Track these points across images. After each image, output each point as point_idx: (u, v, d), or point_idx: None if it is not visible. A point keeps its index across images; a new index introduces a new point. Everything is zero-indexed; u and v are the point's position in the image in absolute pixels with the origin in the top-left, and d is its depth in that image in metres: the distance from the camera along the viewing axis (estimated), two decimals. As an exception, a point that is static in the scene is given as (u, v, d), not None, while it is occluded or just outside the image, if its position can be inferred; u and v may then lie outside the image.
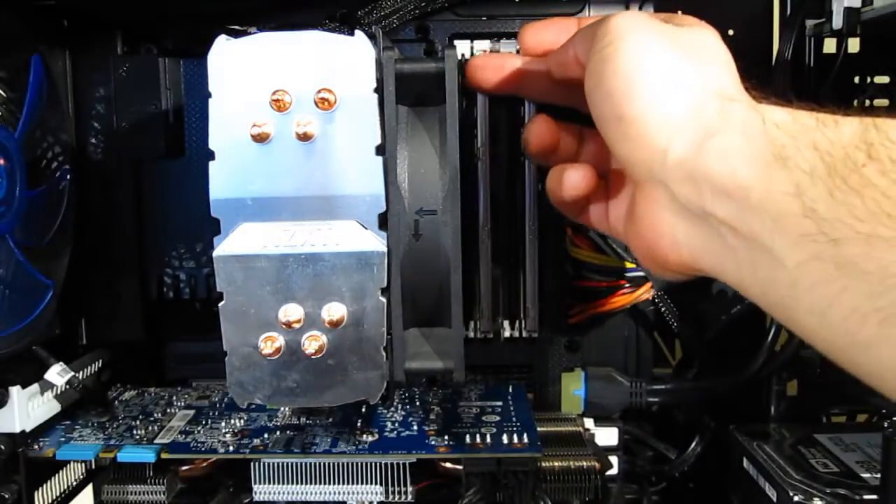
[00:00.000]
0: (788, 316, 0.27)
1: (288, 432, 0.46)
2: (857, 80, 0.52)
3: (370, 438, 0.45)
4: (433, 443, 0.44)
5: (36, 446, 0.44)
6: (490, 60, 0.40)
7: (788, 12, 0.51)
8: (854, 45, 0.50)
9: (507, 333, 0.49)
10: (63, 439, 0.45)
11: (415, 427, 0.46)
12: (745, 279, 0.28)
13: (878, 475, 0.40)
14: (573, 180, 0.36)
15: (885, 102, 0.52)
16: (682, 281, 0.32)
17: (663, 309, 0.53)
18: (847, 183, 0.24)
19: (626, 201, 0.34)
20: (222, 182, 0.37)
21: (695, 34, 0.31)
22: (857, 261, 0.23)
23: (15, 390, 0.43)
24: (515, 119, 0.47)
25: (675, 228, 0.30)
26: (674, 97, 0.29)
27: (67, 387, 0.47)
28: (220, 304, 0.37)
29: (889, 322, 0.23)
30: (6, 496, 0.42)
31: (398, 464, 0.44)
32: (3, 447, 0.43)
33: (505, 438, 0.44)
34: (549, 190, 0.37)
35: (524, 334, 0.49)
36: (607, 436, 0.50)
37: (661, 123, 0.29)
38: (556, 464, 0.44)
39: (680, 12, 0.34)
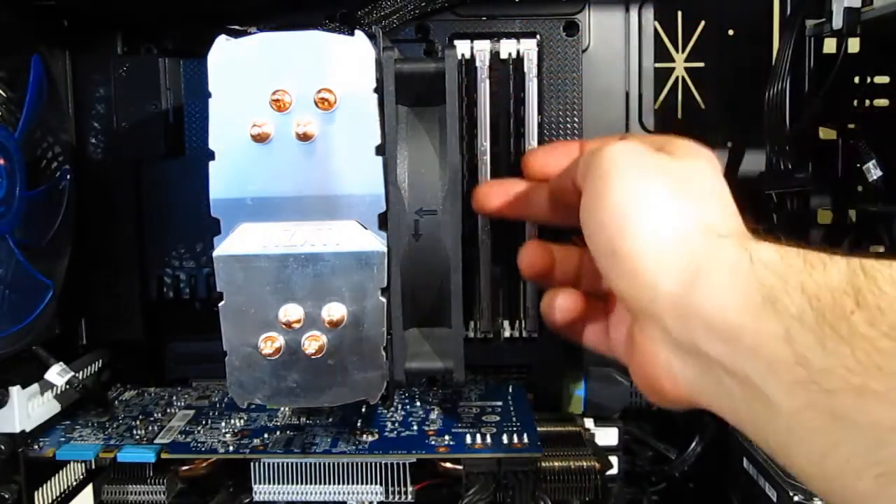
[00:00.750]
0: (787, 460, 0.26)
1: (288, 432, 0.46)
2: (857, 80, 0.52)
3: (370, 438, 0.45)
4: (433, 443, 0.44)
5: (36, 446, 0.44)
6: (494, 187, 0.42)
7: (788, 12, 0.51)
8: (854, 45, 0.50)
9: (507, 333, 0.49)
10: (63, 439, 0.45)
11: (415, 427, 0.46)
12: (743, 420, 0.27)
13: (878, 475, 0.40)
14: (564, 305, 0.37)
15: (885, 102, 0.52)
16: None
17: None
18: (837, 332, 0.24)
19: (626, 326, 0.34)
20: (222, 182, 0.37)
21: (688, 166, 0.32)
22: (850, 413, 0.23)
23: (15, 390, 0.43)
24: (516, 119, 0.47)
25: (671, 364, 0.30)
26: (663, 234, 0.29)
27: (67, 387, 0.47)
28: (220, 304, 0.37)
29: (887, 479, 0.22)
30: (6, 496, 0.42)
31: (398, 464, 0.44)
32: (3, 447, 0.43)
33: (505, 438, 0.44)
34: (543, 313, 0.38)
35: (524, 334, 0.49)
36: (607, 436, 0.50)
37: (651, 261, 0.29)
38: (556, 464, 0.44)
39: (672, 137, 0.34)
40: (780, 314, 0.25)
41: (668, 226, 0.29)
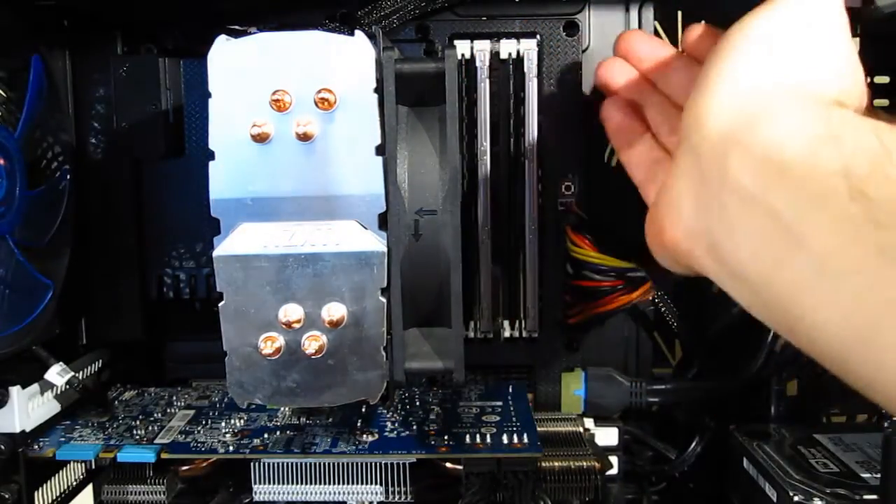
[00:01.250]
0: (793, 309, 0.24)
1: (288, 432, 0.46)
2: (857, 79, 0.52)
3: (370, 438, 0.45)
4: (433, 443, 0.44)
5: (36, 446, 0.44)
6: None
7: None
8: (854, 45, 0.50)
9: (507, 333, 0.49)
10: (63, 439, 0.45)
11: (415, 427, 0.46)
12: (745, 263, 0.26)
13: (878, 475, 0.40)
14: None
15: (885, 102, 0.52)
16: (677, 274, 0.32)
17: (663, 309, 0.53)
18: None
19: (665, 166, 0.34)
20: (222, 182, 0.37)
21: (841, 55, 0.30)
22: None
23: (15, 390, 0.43)
24: (516, 119, 0.47)
25: (682, 198, 0.29)
26: (750, 80, 0.28)
27: (67, 387, 0.47)
28: (220, 304, 0.37)
29: None
30: (6, 496, 0.42)
31: (398, 464, 0.44)
32: (3, 447, 0.43)
33: (505, 438, 0.44)
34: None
35: (524, 334, 0.49)
36: (607, 436, 0.50)
37: (724, 91, 0.28)
38: (556, 464, 0.44)
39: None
40: (843, 151, 0.23)
41: (759, 74, 0.28)
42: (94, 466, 0.47)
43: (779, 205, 0.25)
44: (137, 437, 0.45)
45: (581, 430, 0.49)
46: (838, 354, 0.24)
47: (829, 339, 0.24)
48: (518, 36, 0.48)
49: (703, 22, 0.38)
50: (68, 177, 0.48)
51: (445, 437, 0.44)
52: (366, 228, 0.37)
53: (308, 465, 0.45)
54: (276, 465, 0.45)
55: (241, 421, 0.48)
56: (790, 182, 0.24)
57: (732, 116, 0.28)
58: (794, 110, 0.26)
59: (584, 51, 0.51)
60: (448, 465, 0.44)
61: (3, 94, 0.42)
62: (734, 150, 0.27)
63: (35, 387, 0.45)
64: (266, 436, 0.46)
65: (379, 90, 0.37)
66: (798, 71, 0.28)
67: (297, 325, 0.37)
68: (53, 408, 0.47)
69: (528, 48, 0.47)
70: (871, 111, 0.27)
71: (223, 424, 0.47)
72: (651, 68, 0.39)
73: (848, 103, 0.28)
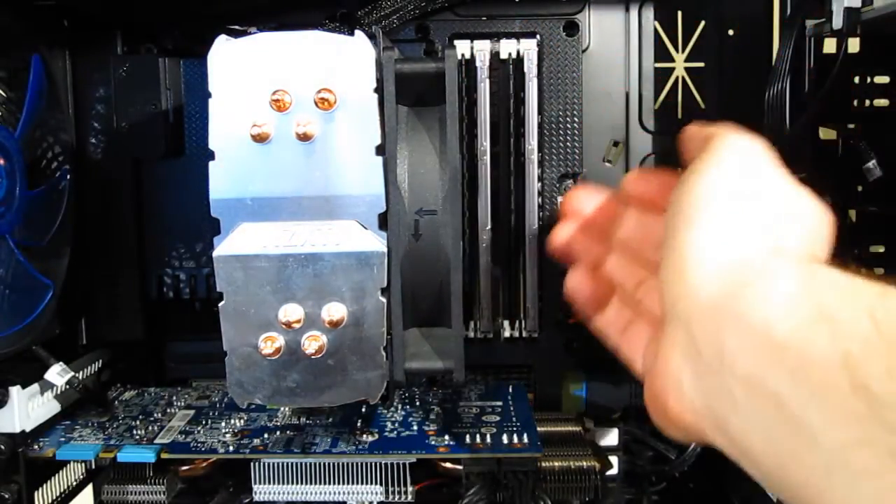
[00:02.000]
0: (821, 501, 0.23)
1: (288, 432, 0.46)
2: (857, 80, 0.52)
3: (370, 438, 0.45)
4: (433, 443, 0.44)
5: (36, 446, 0.44)
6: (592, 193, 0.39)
7: (788, 12, 0.51)
8: (854, 45, 0.50)
9: (507, 333, 0.49)
10: (63, 439, 0.45)
11: (415, 427, 0.46)
12: (758, 452, 0.24)
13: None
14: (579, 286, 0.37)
15: (885, 102, 0.52)
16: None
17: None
18: None
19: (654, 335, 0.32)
20: (222, 182, 0.37)
21: (798, 196, 0.29)
22: None
23: (15, 390, 0.43)
24: (516, 119, 0.47)
25: (682, 377, 0.27)
26: (725, 241, 0.27)
27: (67, 387, 0.47)
28: (220, 304, 0.37)
29: None
30: (6, 496, 0.42)
31: (398, 464, 0.44)
32: (3, 447, 0.43)
33: (505, 438, 0.44)
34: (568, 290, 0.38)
35: (524, 334, 0.49)
36: (607, 436, 0.50)
37: (702, 262, 0.27)
38: (556, 464, 0.44)
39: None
40: (838, 337, 0.22)
41: (735, 237, 0.27)
42: (94, 466, 0.47)
43: (782, 391, 0.23)
44: (137, 437, 0.45)
45: (581, 430, 0.49)
46: None
47: None
48: (518, 36, 0.48)
49: (637, 169, 0.38)
50: (68, 177, 0.48)
51: (445, 437, 0.44)
52: (366, 228, 0.37)
53: (308, 465, 0.45)
54: (276, 465, 0.45)
55: (241, 421, 0.48)
56: (789, 367, 0.23)
57: (718, 286, 0.26)
58: (781, 283, 0.25)
59: (584, 51, 0.51)
60: (448, 465, 0.44)
61: (3, 94, 0.42)
62: (728, 326, 0.25)
63: (35, 387, 0.45)
64: (266, 436, 0.46)
65: (379, 90, 0.37)
66: (769, 226, 0.28)
67: (297, 325, 0.37)
68: (53, 408, 0.47)
69: (528, 48, 0.47)
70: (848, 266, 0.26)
71: (223, 424, 0.47)
72: (600, 223, 0.38)
73: (822, 246, 0.28)
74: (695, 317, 0.27)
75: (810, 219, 0.28)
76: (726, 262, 0.27)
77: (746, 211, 0.28)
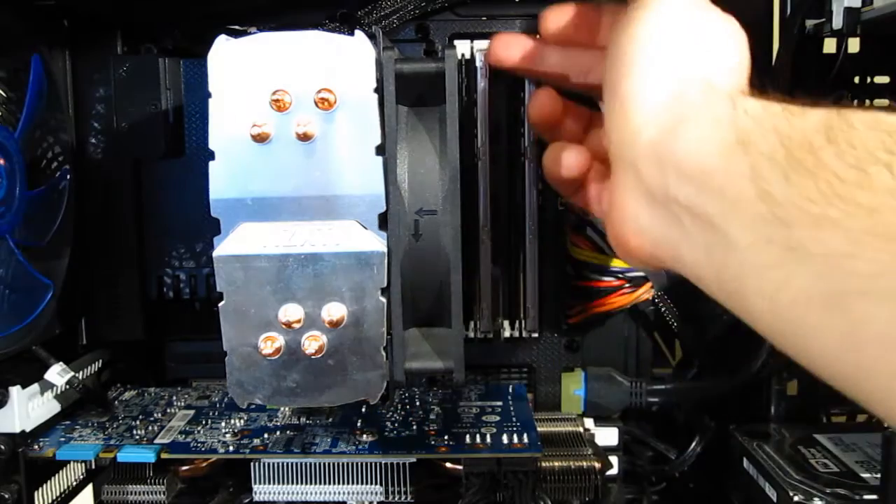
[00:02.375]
0: (740, 302, 0.27)
1: (288, 432, 0.46)
2: (857, 80, 0.52)
3: (370, 438, 0.45)
4: (433, 443, 0.44)
5: (36, 446, 0.44)
6: (514, 38, 0.41)
7: (788, 12, 0.51)
8: (854, 45, 0.50)
9: (507, 333, 0.49)
10: (63, 439, 0.45)
11: (415, 427, 0.46)
12: (700, 264, 0.28)
13: (878, 475, 0.40)
14: (569, 160, 0.37)
15: (885, 102, 0.52)
16: (656, 271, 0.32)
17: (663, 309, 0.53)
18: (803, 165, 0.24)
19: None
20: (222, 182, 0.37)
21: (717, 24, 0.32)
22: (805, 243, 0.23)
23: (15, 390, 0.43)
24: (516, 119, 0.47)
25: (638, 213, 0.30)
26: (662, 83, 0.30)
27: (67, 387, 0.47)
28: (220, 304, 0.37)
29: (833, 306, 0.23)
30: (6, 496, 0.42)
31: (398, 464, 0.44)
32: (3, 447, 0.43)
33: (505, 438, 0.44)
34: (546, 167, 0.39)
35: (524, 334, 0.49)
36: (607, 436, 0.50)
37: (642, 106, 0.30)
38: (556, 464, 0.44)
39: None
40: (750, 154, 0.25)
41: (669, 75, 0.30)
42: (94, 466, 0.47)
43: (712, 210, 0.26)
44: (137, 437, 0.45)
45: (581, 430, 0.49)
46: (779, 343, 0.26)
47: (767, 330, 0.26)
48: (518, 36, 0.48)
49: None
50: (68, 177, 0.48)
51: (445, 437, 0.44)
52: (366, 228, 0.37)
53: (308, 465, 0.45)
54: (276, 465, 0.45)
55: (241, 421, 0.48)
56: (715, 189, 0.26)
57: (656, 127, 0.29)
58: (706, 115, 0.28)
59: (584, 51, 0.51)
60: (448, 465, 0.44)
61: (3, 94, 0.42)
62: (668, 163, 0.28)
63: (35, 387, 0.45)
64: (266, 436, 0.46)
65: (379, 90, 0.37)
66: (699, 63, 0.30)
67: (297, 325, 0.37)
68: (53, 408, 0.47)
69: (528, 48, 0.46)
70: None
71: (223, 424, 0.47)
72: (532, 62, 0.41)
73: (744, 72, 0.31)
74: (640, 159, 0.29)
75: (735, 49, 0.31)
76: (663, 101, 0.29)
77: (680, 51, 0.30)
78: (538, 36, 0.41)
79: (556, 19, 0.40)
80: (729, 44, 0.32)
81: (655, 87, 0.30)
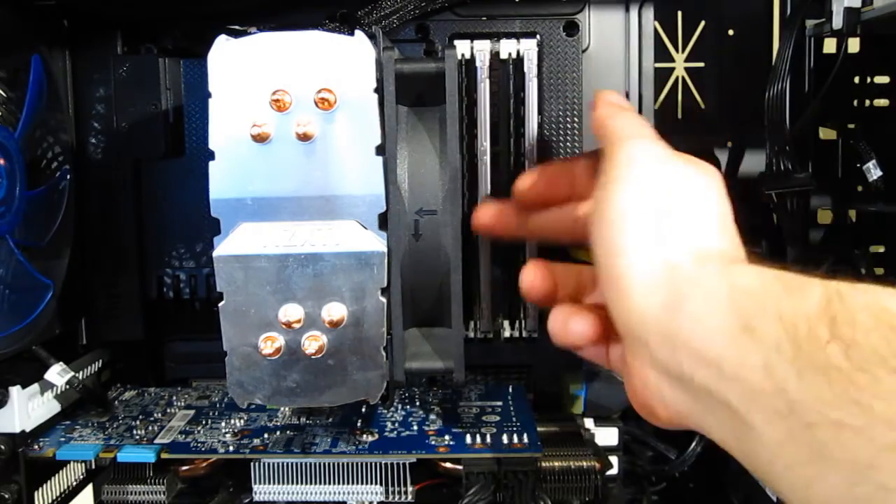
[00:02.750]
0: (774, 487, 0.26)
1: (288, 432, 0.46)
2: (857, 80, 0.52)
3: (370, 438, 0.45)
4: (433, 443, 0.44)
5: (36, 446, 0.44)
6: (495, 207, 0.41)
7: (788, 12, 0.51)
8: (854, 45, 0.50)
9: (507, 333, 0.49)
10: (63, 439, 0.45)
11: (415, 427, 0.46)
12: (731, 445, 0.27)
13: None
14: (577, 329, 0.35)
15: (885, 102, 0.52)
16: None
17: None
18: (813, 363, 0.23)
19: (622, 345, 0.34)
20: (222, 182, 0.37)
21: (695, 176, 0.31)
22: (830, 448, 0.23)
23: (15, 390, 0.43)
24: (516, 119, 0.47)
25: (661, 388, 0.29)
26: (652, 259, 0.29)
27: (67, 387, 0.47)
28: (220, 304, 0.37)
29: None
30: (6, 496, 0.42)
31: (398, 464, 0.44)
32: (3, 447, 0.43)
33: (505, 438, 0.44)
34: (553, 333, 0.36)
35: (524, 334, 0.49)
36: (607, 436, 0.50)
37: (639, 284, 0.29)
38: (556, 464, 0.44)
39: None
40: (759, 343, 0.25)
41: (659, 252, 0.29)
42: (94, 466, 0.47)
43: (731, 399, 0.26)
44: (137, 437, 0.45)
45: (581, 430, 0.49)
46: None
47: None
48: (518, 36, 0.48)
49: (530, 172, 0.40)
50: (68, 177, 0.48)
51: (445, 437, 0.44)
52: (366, 228, 0.37)
53: (308, 465, 0.45)
54: (276, 465, 0.45)
55: (241, 421, 0.48)
56: (729, 377, 0.26)
57: (658, 306, 0.28)
58: (704, 293, 0.27)
59: (584, 51, 0.51)
60: (448, 465, 0.44)
61: (3, 94, 0.42)
62: (678, 347, 0.28)
63: (35, 387, 0.45)
64: (266, 436, 0.46)
65: (379, 90, 0.37)
66: (685, 229, 0.30)
67: (297, 325, 0.37)
68: (53, 408, 0.47)
69: (528, 48, 0.47)
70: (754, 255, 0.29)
71: (223, 424, 0.47)
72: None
73: (730, 226, 0.31)
74: (650, 338, 0.29)
75: (715, 202, 0.31)
76: (657, 278, 0.29)
77: (662, 219, 0.30)
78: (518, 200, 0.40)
79: (528, 184, 0.39)
80: (708, 197, 0.31)
81: (646, 264, 0.29)
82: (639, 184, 0.31)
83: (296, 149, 0.36)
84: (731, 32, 0.53)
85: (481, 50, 0.46)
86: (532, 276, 0.38)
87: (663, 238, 0.30)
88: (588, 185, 0.34)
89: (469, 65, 0.46)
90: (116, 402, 0.51)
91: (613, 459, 0.50)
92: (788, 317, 0.25)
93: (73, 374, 0.46)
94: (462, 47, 0.46)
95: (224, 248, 0.37)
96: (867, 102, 0.52)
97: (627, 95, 0.54)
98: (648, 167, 0.31)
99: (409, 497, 0.45)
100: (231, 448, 0.44)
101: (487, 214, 0.41)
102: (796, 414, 0.24)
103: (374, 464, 0.44)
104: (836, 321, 0.24)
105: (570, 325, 0.35)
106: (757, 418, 0.25)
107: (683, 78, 0.54)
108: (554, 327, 0.36)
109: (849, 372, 0.23)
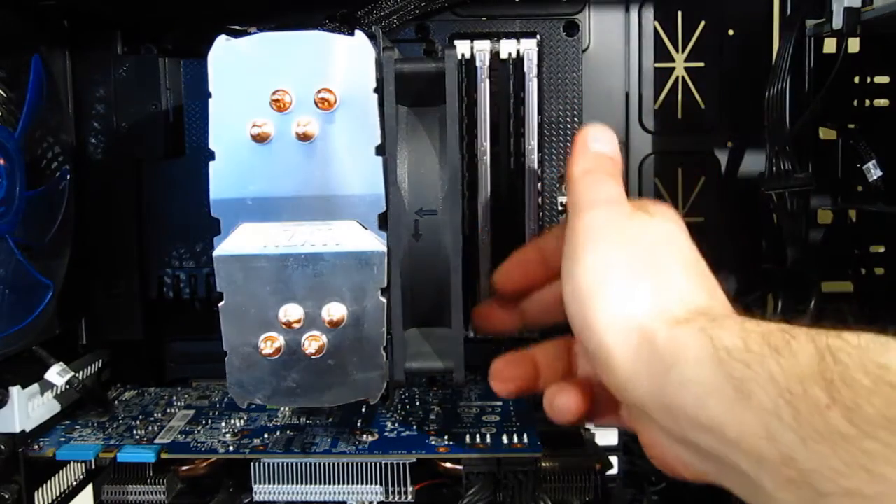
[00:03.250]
0: None
1: (288, 432, 0.46)
2: (857, 80, 0.52)
3: (370, 438, 0.45)
4: (433, 443, 0.44)
5: (36, 446, 0.44)
6: (483, 312, 0.42)
7: (788, 12, 0.51)
8: (854, 45, 0.50)
9: (507, 333, 0.49)
10: (63, 439, 0.45)
11: (415, 427, 0.46)
12: (752, 502, 0.26)
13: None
14: (563, 406, 0.35)
15: (885, 102, 0.52)
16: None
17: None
18: (816, 430, 0.23)
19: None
20: (222, 182, 0.37)
21: (659, 231, 0.31)
22: None
23: (15, 390, 0.43)
24: (516, 119, 0.47)
25: (674, 450, 0.29)
26: (626, 326, 0.29)
27: (67, 387, 0.47)
28: (220, 304, 0.37)
29: None
30: (6, 496, 0.42)
31: (398, 464, 0.44)
32: (3, 447, 0.43)
33: (505, 438, 0.44)
34: (550, 414, 0.36)
35: (524, 334, 0.49)
36: (607, 436, 0.50)
37: (619, 361, 0.29)
38: (556, 464, 0.44)
39: (646, 201, 0.34)
40: (757, 410, 0.24)
41: (630, 320, 0.29)
42: (94, 466, 0.47)
43: (739, 463, 0.25)
44: (137, 437, 0.45)
45: (581, 430, 0.49)
46: None
47: None
48: (518, 36, 0.48)
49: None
50: (68, 177, 0.48)
51: (445, 437, 0.44)
52: (366, 228, 0.37)
53: (308, 465, 0.45)
54: (276, 465, 0.45)
55: (241, 421, 0.48)
56: (731, 443, 0.25)
57: (646, 378, 0.28)
58: (688, 360, 0.27)
59: (584, 51, 0.51)
60: (448, 465, 0.44)
61: (3, 94, 0.42)
62: (677, 414, 0.27)
63: (35, 387, 0.45)
64: (266, 436, 0.46)
65: (379, 90, 0.37)
66: (653, 291, 0.29)
67: (297, 325, 0.37)
68: (53, 408, 0.47)
69: (528, 48, 0.47)
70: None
71: (223, 424, 0.47)
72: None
73: (710, 288, 0.30)
74: (649, 408, 0.28)
75: (681, 252, 0.31)
76: (635, 351, 0.28)
77: (628, 287, 0.30)
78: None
79: (503, 276, 0.40)
80: (672, 251, 0.31)
81: (621, 336, 0.29)
82: (600, 254, 0.31)
83: (296, 149, 0.36)
84: (731, 32, 0.53)
85: (481, 50, 0.46)
86: (499, 378, 0.39)
87: (633, 306, 0.29)
88: (559, 261, 0.34)
89: (469, 65, 0.46)
90: (116, 402, 0.51)
91: (613, 459, 0.50)
92: (782, 379, 0.24)
93: (73, 374, 0.46)
94: (462, 47, 0.46)
95: (224, 248, 0.37)
96: (867, 102, 0.52)
97: (627, 95, 0.54)
98: (607, 234, 0.31)
99: (409, 497, 0.45)
100: (231, 448, 0.44)
101: (481, 318, 0.42)
102: (810, 484, 0.23)
103: (374, 464, 0.44)
104: (834, 384, 0.23)
105: (555, 404, 0.35)
106: (769, 484, 0.24)
107: (683, 78, 0.54)
108: (549, 410, 0.36)
109: (856, 439, 0.22)
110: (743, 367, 0.25)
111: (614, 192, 0.33)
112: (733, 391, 0.25)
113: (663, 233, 0.32)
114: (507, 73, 0.47)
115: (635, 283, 0.30)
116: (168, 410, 0.50)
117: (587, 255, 0.31)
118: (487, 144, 0.46)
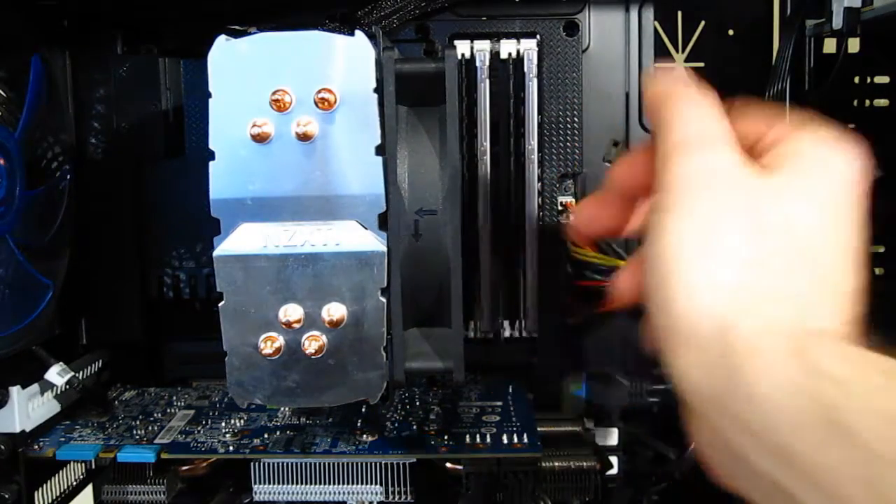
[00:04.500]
0: None
1: (288, 432, 0.46)
2: (857, 80, 0.52)
3: (370, 438, 0.45)
4: (433, 443, 0.44)
5: (36, 446, 0.44)
6: (590, 206, 0.35)
7: (788, 12, 0.51)
8: (854, 45, 0.50)
9: (507, 333, 0.49)
10: (63, 439, 0.45)
11: (415, 427, 0.46)
12: None
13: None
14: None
15: (885, 102, 0.52)
16: None
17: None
18: None
19: None
20: (222, 182, 0.37)
21: (793, 203, 0.25)
22: None
23: (15, 390, 0.43)
24: (516, 119, 0.47)
25: (721, 460, 0.26)
26: (703, 306, 0.24)
27: (67, 387, 0.47)
28: (220, 304, 0.37)
29: None
30: (6, 496, 0.42)
31: (398, 464, 0.44)
32: (3, 447, 0.43)
33: (505, 438, 0.44)
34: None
35: (524, 334, 0.49)
36: (607, 436, 0.50)
37: (686, 336, 0.24)
38: (556, 464, 0.44)
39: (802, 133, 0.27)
40: (854, 447, 0.20)
41: (711, 301, 0.24)
42: (94, 466, 0.47)
43: (798, 493, 0.22)
44: (137, 437, 0.45)
45: (581, 430, 0.49)
46: None
47: None
48: (518, 36, 0.48)
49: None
50: (68, 177, 0.48)
51: (445, 437, 0.44)
52: (366, 228, 0.37)
53: (308, 465, 0.45)
54: (276, 465, 0.45)
55: (241, 421, 0.48)
56: (801, 472, 0.22)
57: (710, 370, 0.24)
58: (771, 371, 0.22)
59: (584, 51, 0.51)
60: (448, 465, 0.44)
61: (3, 94, 0.42)
62: (732, 426, 0.24)
63: (35, 387, 0.45)
64: (266, 436, 0.46)
65: (379, 90, 0.37)
66: (761, 286, 0.24)
67: (297, 325, 0.37)
68: (53, 408, 0.47)
69: (528, 48, 0.47)
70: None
71: (223, 424, 0.47)
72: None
73: (844, 311, 0.25)
74: (701, 407, 0.25)
75: (833, 247, 0.25)
76: (706, 333, 0.24)
77: (724, 265, 0.24)
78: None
79: (624, 167, 0.32)
80: (816, 242, 0.25)
81: (693, 315, 0.24)
82: (698, 217, 0.25)
83: (296, 149, 0.36)
84: (731, 32, 0.53)
85: (481, 50, 0.46)
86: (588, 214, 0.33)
87: (720, 288, 0.24)
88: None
89: (469, 65, 0.46)
90: (116, 402, 0.51)
91: (613, 459, 0.50)
92: (889, 414, 0.20)
93: (73, 374, 0.46)
94: (462, 47, 0.46)
95: (224, 248, 0.37)
96: (867, 102, 0.52)
97: (627, 95, 0.54)
98: (715, 191, 0.25)
99: (409, 497, 0.45)
100: (231, 448, 0.44)
101: (588, 214, 0.34)
102: None
103: (374, 464, 0.44)
104: None
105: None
106: None
107: (683, 78, 0.54)
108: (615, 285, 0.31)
109: None
110: (842, 395, 0.21)
111: (725, 128, 0.26)
112: (826, 422, 0.21)
113: (801, 207, 0.25)
114: (507, 73, 0.47)
115: (734, 263, 0.24)
116: (168, 410, 0.50)
117: (682, 215, 0.25)
118: (487, 144, 0.46)
